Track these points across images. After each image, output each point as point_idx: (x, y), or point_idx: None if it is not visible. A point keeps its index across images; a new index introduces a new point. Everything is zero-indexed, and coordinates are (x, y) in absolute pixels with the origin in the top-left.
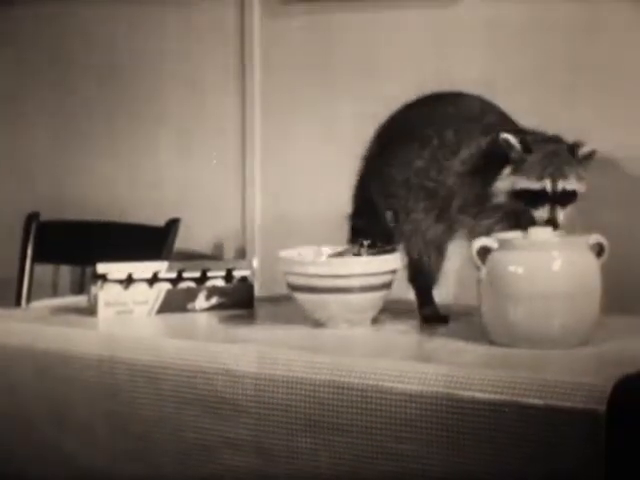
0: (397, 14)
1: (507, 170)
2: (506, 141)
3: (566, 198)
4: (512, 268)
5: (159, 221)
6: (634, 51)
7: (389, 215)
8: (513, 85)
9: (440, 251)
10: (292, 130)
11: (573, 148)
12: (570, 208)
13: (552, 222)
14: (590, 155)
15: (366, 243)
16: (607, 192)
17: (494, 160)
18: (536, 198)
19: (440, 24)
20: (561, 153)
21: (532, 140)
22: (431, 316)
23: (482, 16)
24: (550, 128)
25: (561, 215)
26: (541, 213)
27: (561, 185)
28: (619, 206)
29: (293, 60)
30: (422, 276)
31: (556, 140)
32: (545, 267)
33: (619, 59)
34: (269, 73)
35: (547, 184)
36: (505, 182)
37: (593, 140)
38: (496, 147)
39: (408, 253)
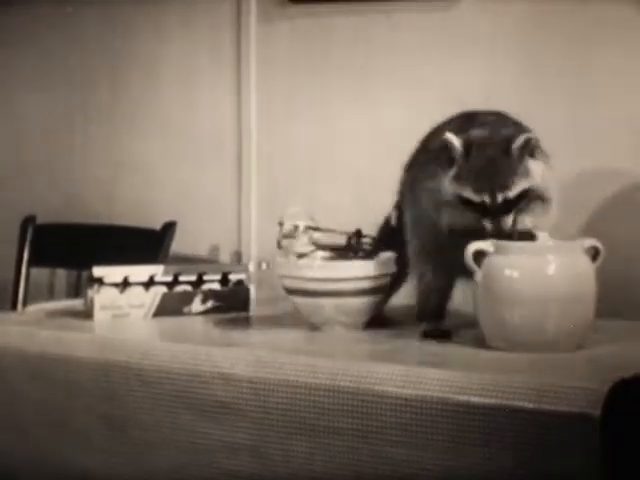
0: (394, 16)
1: (452, 172)
2: (449, 142)
3: (510, 206)
4: (508, 272)
5: (155, 224)
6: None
7: (394, 214)
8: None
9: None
10: (289, 133)
11: (507, 145)
12: (541, 207)
13: (498, 234)
14: (527, 145)
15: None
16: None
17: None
18: (479, 209)
19: (439, 27)
20: (498, 158)
21: (476, 141)
22: (432, 332)
23: (482, 18)
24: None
25: (508, 222)
26: (488, 224)
27: (501, 197)
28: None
29: (290, 62)
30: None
31: (497, 135)
32: (540, 271)
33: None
34: (266, 76)
35: (486, 198)
36: (451, 186)
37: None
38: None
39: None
